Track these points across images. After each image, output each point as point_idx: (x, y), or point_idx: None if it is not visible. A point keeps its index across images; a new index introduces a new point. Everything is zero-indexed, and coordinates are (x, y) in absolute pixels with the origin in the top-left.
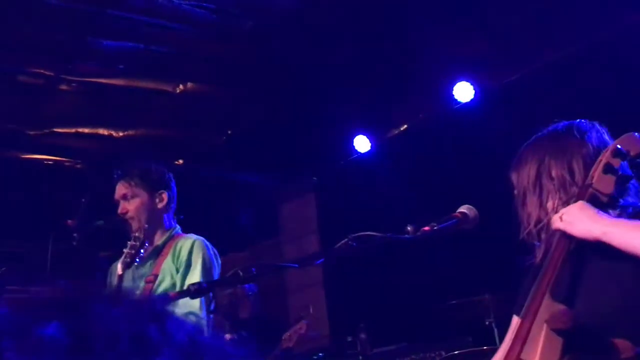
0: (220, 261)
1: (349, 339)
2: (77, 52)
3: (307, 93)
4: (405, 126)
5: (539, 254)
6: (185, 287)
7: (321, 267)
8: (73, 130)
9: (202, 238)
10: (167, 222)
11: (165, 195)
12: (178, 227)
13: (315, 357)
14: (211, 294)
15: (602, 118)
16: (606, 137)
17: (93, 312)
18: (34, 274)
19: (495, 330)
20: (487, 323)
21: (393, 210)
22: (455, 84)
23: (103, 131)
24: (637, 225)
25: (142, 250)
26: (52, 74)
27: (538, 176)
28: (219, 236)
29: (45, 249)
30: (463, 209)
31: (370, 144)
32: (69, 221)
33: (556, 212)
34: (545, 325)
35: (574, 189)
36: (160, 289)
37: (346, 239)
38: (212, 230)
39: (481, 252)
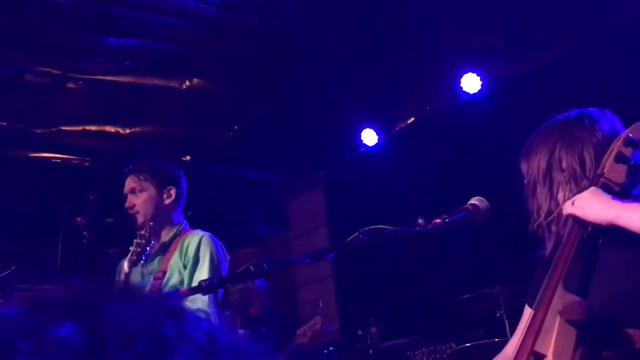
0: (228, 256)
1: (360, 332)
2: (83, 50)
3: (313, 87)
4: (413, 119)
5: (550, 246)
6: (193, 283)
7: (331, 261)
8: (80, 128)
9: (209, 234)
10: (175, 219)
11: (173, 191)
12: (185, 223)
13: (325, 351)
14: (222, 290)
15: (611, 110)
16: (617, 125)
17: (108, 311)
18: (44, 273)
19: (507, 322)
20: (498, 315)
21: (401, 203)
22: (462, 76)
23: (110, 129)
24: None
25: (148, 248)
26: (58, 72)
27: (549, 167)
28: (227, 232)
29: (55, 247)
30: (474, 200)
31: (377, 138)
32: (78, 219)
33: None
34: (558, 317)
35: (585, 182)
36: (169, 286)
37: (357, 233)
38: (221, 226)
39: (491, 244)
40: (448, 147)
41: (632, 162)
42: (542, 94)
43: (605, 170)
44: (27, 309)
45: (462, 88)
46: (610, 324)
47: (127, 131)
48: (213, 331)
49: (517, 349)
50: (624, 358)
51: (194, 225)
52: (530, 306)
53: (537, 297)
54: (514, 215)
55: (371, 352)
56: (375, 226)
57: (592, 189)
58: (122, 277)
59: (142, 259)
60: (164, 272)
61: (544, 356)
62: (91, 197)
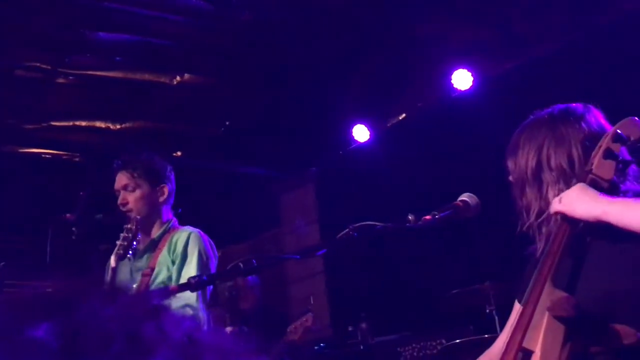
0: (217, 253)
1: (350, 328)
2: (73, 45)
3: (305, 83)
4: (404, 115)
5: (541, 244)
6: (181, 280)
7: (322, 257)
8: (70, 123)
9: (198, 230)
10: (165, 216)
11: (166, 189)
12: (175, 219)
13: (316, 348)
14: (211, 287)
15: (602, 106)
16: (602, 120)
17: (84, 312)
18: (33, 269)
19: (496, 318)
20: (488, 311)
21: (393, 199)
22: (453, 72)
23: (100, 124)
24: (638, 203)
25: (134, 243)
26: (49, 67)
27: (538, 167)
28: (219, 228)
29: (44, 243)
30: (464, 197)
31: (369, 133)
32: (68, 215)
33: None
34: (547, 313)
35: (574, 180)
36: (157, 282)
37: (347, 229)
38: (212, 222)
39: (482, 240)
40: (440, 143)
41: (620, 158)
42: (533, 90)
43: (593, 167)
44: (4, 309)
45: (453, 84)
46: (598, 320)
47: (118, 126)
48: (195, 330)
49: (505, 344)
50: (612, 354)
51: (185, 221)
52: (520, 302)
53: (526, 293)
54: (505, 212)
55: (361, 348)
56: (365, 222)
57: (580, 185)
58: (110, 272)
59: (128, 253)
60: (152, 269)
61: (532, 352)
62: (82, 193)
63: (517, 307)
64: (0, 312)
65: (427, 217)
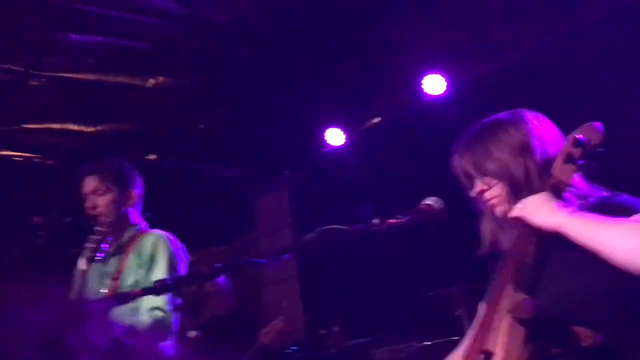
0: (187, 256)
1: (323, 332)
2: (46, 46)
3: (278, 86)
4: (378, 119)
5: (505, 246)
6: (148, 284)
7: (296, 261)
8: (43, 126)
9: (167, 233)
10: (133, 219)
11: (134, 193)
12: (144, 223)
13: (288, 352)
14: (175, 291)
15: (575, 110)
16: (551, 126)
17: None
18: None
19: (465, 321)
20: (457, 314)
21: (367, 202)
22: (426, 76)
23: (73, 127)
24: (596, 222)
25: (103, 245)
26: (21, 69)
27: (498, 180)
28: (193, 231)
29: (13, 246)
30: (429, 201)
31: (343, 137)
32: (36, 218)
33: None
34: (508, 315)
35: (525, 193)
36: (125, 286)
37: (312, 233)
38: (187, 225)
39: (451, 243)
40: (413, 148)
41: (580, 162)
42: (505, 95)
43: (555, 171)
44: None
45: (425, 89)
46: (558, 323)
47: (91, 129)
48: (125, 335)
49: (468, 347)
50: (572, 355)
51: (161, 224)
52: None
53: (488, 296)
54: (474, 214)
55: (334, 351)
56: (331, 226)
57: (543, 194)
58: (80, 275)
59: (97, 256)
60: (120, 273)
61: (494, 354)
62: (53, 197)
63: (482, 310)
64: None
65: (392, 220)
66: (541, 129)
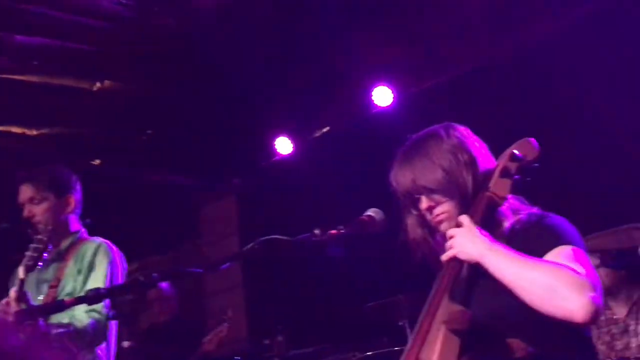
0: (125, 266)
1: (267, 341)
2: None
3: (228, 94)
4: (327, 128)
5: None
6: (84, 292)
7: (240, 270)
8: None
9: (107, 241)
10: (73, 226)
11: (72, 199)
12: (83, 230)
13: None
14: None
15: (520, 123)
16: (479, 140)
17: None
18: None
19: (409, 330)
20: (400, 324)
21: (314, 212)
22: (375, 88)
23: (17, 129)
24: (512, 260)
25: (45, 254)
26: None
27: (446, 197)
28: (138, 239)
29: None
30: (370, 212)
31: (292, 146)
32: None
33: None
34: (443, 326)
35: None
36: (64, 294)
37: (253, 243)
38: (132, 233)
39: (395, 253)
40: (360, 158)
41: (515, 177)
42: (452, 107)
43: (491, 185)
44: None
45: (374, 100)
46: (491, 334)
47: (35, 132)
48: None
49: (403, 357)
50: None
51: (103, 231)
52: None
53: (424, 307)
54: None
55: None
56: (271, 236)
57: (464, 228)
58: (17, 283)
59: (38, 265)
60: (59, 280)
61: None
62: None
63: (419, 320)
64: None
65: (333, 231)
66: (474, 143)
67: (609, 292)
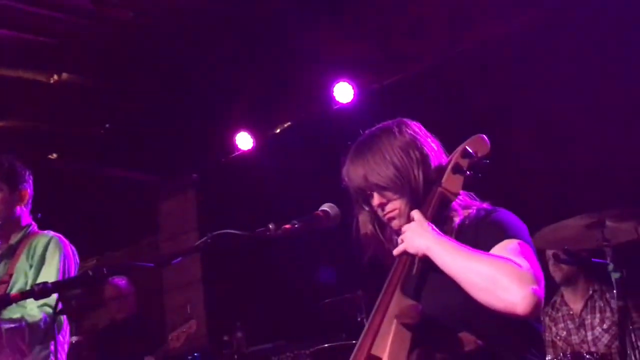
0: (77, 260)
1: (226, 338)
2: None
3: (188, 88)
4: (288, 124)
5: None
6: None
7: (200, 266)
8: None
9: (58, 235)
10: (24, 220)
11: (26, 193)
12: (33, 224)
13: (190, 358)
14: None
15: (482, 121)
16: (431, 136)
17: None
18: None
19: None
20: (359, 319)
21: (274, 207)
22: (336, 85)
23: None
24: (457, 252)
25: None
26: None
27: (398, 195)
28: (96, 234)
29: None
30: (325, 207)
31: (252, 141)
32: None
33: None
34: (395, 320)
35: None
36: (15, 289)
37: (205, 237)
38: (89, 228)
39: (353, 249)
40: (321, 154)
41: (467, 173)
42: (413, 104)
43: (443, 180)
44: None
45: (335, 97)
46: (442, 328)
47: None
48: None
49: (355, 352)
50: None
51: (60, 226)
52: None
53: (378, 301)
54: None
55: (236, 357)
56: (224, 231)
57: (414, 222)
58: None
59: None
60: (11, 275)
61: (380, 359)
62: None
63: (371, 315)
64: None
65: (287, 226)
66: (427, 139)
67: (566, 288)
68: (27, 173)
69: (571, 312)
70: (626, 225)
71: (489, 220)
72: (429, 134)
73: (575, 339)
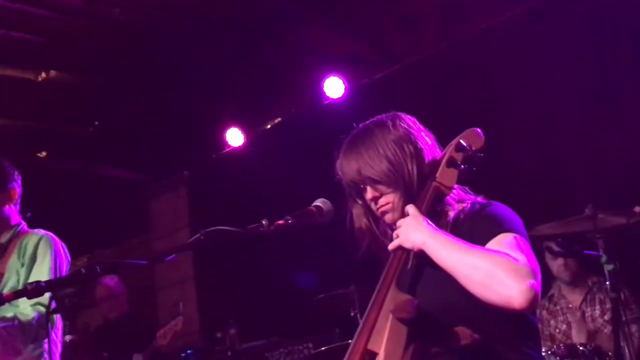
0: (68, 258)
1: (219, 334)
2: None
3: (178, 85)
4: (278, 120)
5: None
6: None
7: (192, 263)
8: None
9: (50, 234)
10: (13, 219)
11: (15, 192)
12: (23, 223)
13: (183, 355)
14: (52, 293)
15: (472, 113)
16: (425, 130)
17: None
18: None
19: (360, 321)
20: (352, 314)
21: (266, 203)
22: (326, 80)
23: None
24: (453, 247)
25: None
26: None
27: (391, 189)
28: (86, 232)
29: None
30: (318, 202)
31: (243, 138)
32: None
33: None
34: (390, 315)
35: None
36: (7, 289)
37: (198, 234)
38: (80, 227)
39: (346, 244)
40: (312, 150)
41: (461, 166)
42: (403, 98)
43: (437, 174)
44: None
45: (325, 92)
46: (438, 322)
47: None
48: None
49: (351, 347)
50: (451, 354)
51: (50, 225)
52: None
53: (373, 296)
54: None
55: (229, 354)
56: (217, 227)
57: (409, 217)
58: None
59: None
60: (2, 275)
61: (377, 354)
62: None
63: (367, 310)
64: None
65: (280, 222)
66: (421, 133)
67: (563, 280)
68: (16, 172)
69: (570, 305)
70: (618, 217)
71: (484, 214)
72: (423, 128)
73: (575, 332)
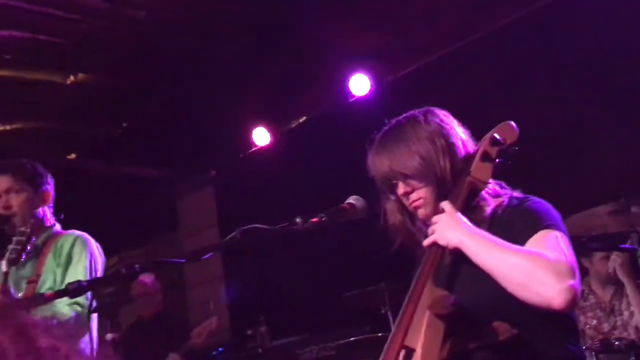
0: (103, 258)
1: (249, 332)
2: None
3: (204, 85)
4: (304, 118)
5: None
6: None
7: (221, 261)
8: None
9: (85, 234)
10: (47, 221)
11: (48, 194)
12: (57, 224)
13: (214, 353)
14: (92, 292)
15: (497, 108)
16: (459, 124)
17: None
18: None
19: (391, 318)
20: (383, 312)
21: (292, 202)
22: (351, 77)
23: None
24: (491, 246)
25: (29, 246)
26: None
27: (423, 183)
28: (115, 232)
29: None
30: (351, 199)
31: (269, 137)
32: None
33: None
34: (427, 311)
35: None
36: (44, 289)
37: (234, 233)
38: (109, 227)
39: (377, 241)
40: (338, 147)
41: (496, 160)
42: (429, 94)
43: (472, 169)
44: None
45: (351, 89)
46: (476, 317)
47: (8, 127)
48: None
49: (388, 343)
50: (489, 349)
51: (80, 225)
52: None
53: (410, 292)
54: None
55: (260, 351)
56: (253, 225)
57: (445, 213)
58: (1, 277)
59: (22, 257)
60: (39, 276)
61: (414, 350)
62: None
63: (403, 306)
64: None
65: (315, 219)
66: (454, 127)
67: (593, 276)
68: (48, 175)
69: (600, 301)
70: None
71: (522, 209)
72: (456, 122)
73: (606, 326)
